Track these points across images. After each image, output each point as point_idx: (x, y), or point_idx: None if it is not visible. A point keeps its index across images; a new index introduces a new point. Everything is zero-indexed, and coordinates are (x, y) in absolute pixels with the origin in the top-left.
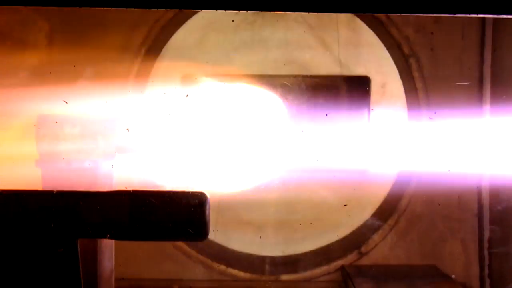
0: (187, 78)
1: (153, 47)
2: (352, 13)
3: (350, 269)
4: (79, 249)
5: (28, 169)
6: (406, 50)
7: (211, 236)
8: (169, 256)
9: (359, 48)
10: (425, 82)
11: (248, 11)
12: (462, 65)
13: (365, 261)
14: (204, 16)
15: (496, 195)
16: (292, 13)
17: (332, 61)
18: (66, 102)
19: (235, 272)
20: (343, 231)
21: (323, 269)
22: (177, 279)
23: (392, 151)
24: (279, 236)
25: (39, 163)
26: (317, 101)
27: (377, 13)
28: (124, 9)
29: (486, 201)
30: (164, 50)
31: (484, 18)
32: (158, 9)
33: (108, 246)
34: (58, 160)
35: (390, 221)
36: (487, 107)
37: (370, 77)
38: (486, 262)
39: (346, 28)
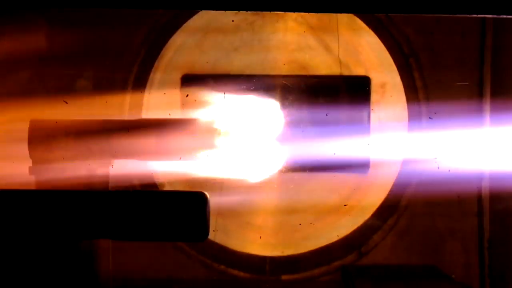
0: (187, 78)
1: (153, 47)
2: (352, 13)
3: (350, 269)
4: (79, 250)
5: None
6: (406, 50)
7: (211, 236)
8: (169, 256)
9: (359, 48)
10: (425, 82)
11: (248, 11)
12: (462, 65)
13: (365, 261)
14: (204, 16)
15: (496, 195)
16: (292, 13)
17: (332, 61)
18: (66, 102)
19: (235, 272)
20: (343, 231)
21: (323, 269)
22: (177, 279)
23: (392, 151)
24: (278, 236)
25: (33, 170)
26: (317, 101)
27: (377, 13)
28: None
29: (486, 201)
30: (164, 50)
31: (484, 18)
32: (158, 9)
33: (106, 246)
34: (52, 168)
35: (390, 221)
36: (487, 107)
37: (370, 77)
38: (486, 262)
39: (346, 28)
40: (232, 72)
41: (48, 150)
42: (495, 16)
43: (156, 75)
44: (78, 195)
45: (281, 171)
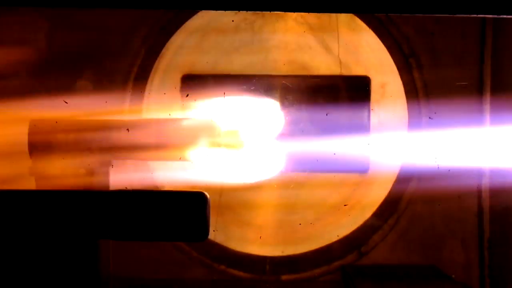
0: (187, 78)
1: (153, 47)
2: (352, 13)
3: (350, 269)
4: (79, 250)
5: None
6: (406, 50)
7: (211, 236)
8: (169, 256)
9: (359, 48)
10: (425, 82)
11: (248, 11)
12: (462, 65)
13: (365, 261)
14: (204, 16)
15: (496, 195)
16: (292, 13)
17: (332, 61)
18: (66, 102)
19: (235, 272)
20: (343, 231)
21: (323, 269)
22: (177, 279)
23: (392, 151)
24: (279, 236)
25: (33, 170)
26: (317, 101)
27: (377, 13)
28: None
29: (486, 201)
30: (164, 50)
31: (484, 18)
32: (158, 9)
33: (106, 246)
34: (52, 168)
35: (390, 221)
36: (487, 107)
37: (370, 77)
38: (486, 262)
39: (346, 28)
40: (232, 72)
41: (48, 150)
42: (495, 16)
43: (156, 75)
44: (78, 195)
45: (281, 171)
